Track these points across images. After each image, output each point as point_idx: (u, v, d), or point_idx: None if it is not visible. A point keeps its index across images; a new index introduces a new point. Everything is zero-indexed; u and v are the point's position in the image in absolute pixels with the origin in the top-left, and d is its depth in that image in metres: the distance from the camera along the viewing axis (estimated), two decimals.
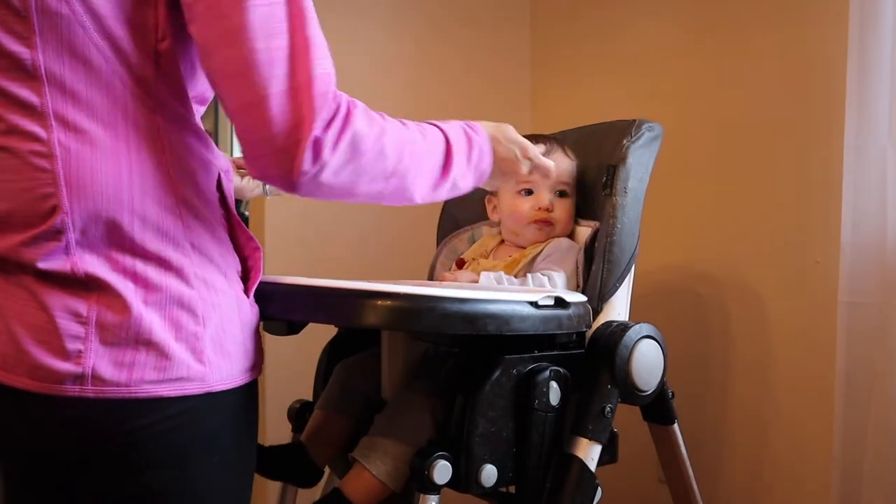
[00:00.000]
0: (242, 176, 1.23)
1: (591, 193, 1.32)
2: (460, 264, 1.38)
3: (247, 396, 0.82)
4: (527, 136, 1.36)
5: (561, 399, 1.05)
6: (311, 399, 1.33)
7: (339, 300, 0.91)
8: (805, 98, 1.45)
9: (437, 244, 1.52)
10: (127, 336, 0.71)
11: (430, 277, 1.48)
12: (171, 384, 0.73)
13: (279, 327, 1.25)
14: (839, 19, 1.36)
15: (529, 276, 1.21)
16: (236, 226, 0.83)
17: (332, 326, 1.30)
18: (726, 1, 1.62)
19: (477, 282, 1.21)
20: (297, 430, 1.30)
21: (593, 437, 1.08)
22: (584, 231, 1.29)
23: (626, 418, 1.28)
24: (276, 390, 1.90)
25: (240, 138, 0.74)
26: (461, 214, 1.51)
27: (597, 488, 1.08)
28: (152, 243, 0.74)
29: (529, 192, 1.31)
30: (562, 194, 1.31)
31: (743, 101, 1.58)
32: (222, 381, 0.77)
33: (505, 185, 1.32)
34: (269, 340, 1.90)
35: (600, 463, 1.10)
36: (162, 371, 0.73)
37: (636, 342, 1.12)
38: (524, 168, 1.02)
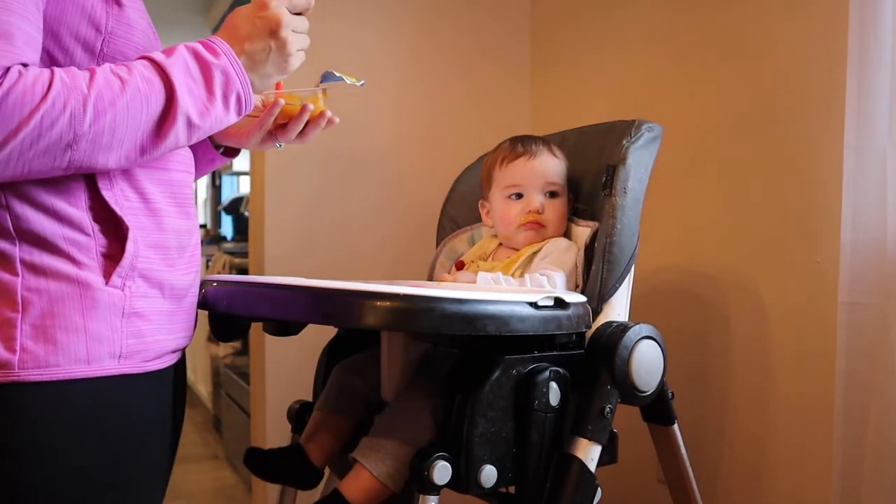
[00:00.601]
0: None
1: (590, 194, 1.32)
2: (460, 266, 1.38)
3: (99, 392, 0.77)
4: (521, 137, 1.36)
5: (561, 399, 1.05)
6: (310, 400, 1.33)
7: (339, 301, 0.90)
8: (805, 98, 1.44)
9: (437, 245, 1.52)
10: None
11: (430, 278, 1.48)
12: None
13: (279, 328, 1.25)
14: (839, 19, 1.36)
15: (528, 276, 1.20)
16: (107, 208, 0.79)
17: (332, 327, 1.30)
18: (727, 1, 1.62)
19: (475, 283, 1.21)
20: (297, 431, 1.30)
21: (593, 438, 1.08)
22: (584, 231, 1.28)
23: (626, 418, 1.28)
24: (276, 391, 1.91)
25: None
26: (461, 215, 1.51)
27: (597, 489, 1.07)
28: None
29: (519, 196, 1.31)
30: (552, 195, 1.31)
31: (743, 100, 1.58)
32: (39, 370, 0.74)
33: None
34: (270, 341, 1.91)
35: (600, 463, 1.10)
36: None
37: (636, 343, 1.12)
38: (290, 49, 0.85)
